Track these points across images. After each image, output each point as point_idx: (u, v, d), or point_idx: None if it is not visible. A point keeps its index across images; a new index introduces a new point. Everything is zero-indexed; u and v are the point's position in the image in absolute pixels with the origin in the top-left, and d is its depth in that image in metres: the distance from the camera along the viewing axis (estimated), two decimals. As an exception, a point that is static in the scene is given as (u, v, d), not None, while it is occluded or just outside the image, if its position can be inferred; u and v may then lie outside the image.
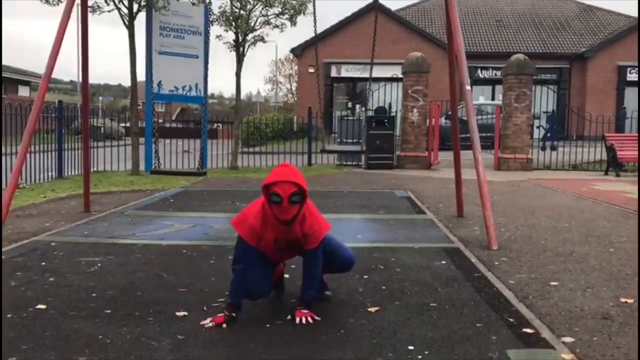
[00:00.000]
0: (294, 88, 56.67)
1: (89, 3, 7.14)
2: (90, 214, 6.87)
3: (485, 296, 3.69)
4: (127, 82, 11.12)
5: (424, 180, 11.07)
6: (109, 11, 10.50)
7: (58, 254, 4.77)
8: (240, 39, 12.60)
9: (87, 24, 6.81)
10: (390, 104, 15.81)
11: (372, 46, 8.66)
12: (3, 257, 4.63)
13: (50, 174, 10.76)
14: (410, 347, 2.82)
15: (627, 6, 48.46)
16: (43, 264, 4.44)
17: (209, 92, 11.89)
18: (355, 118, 14.05)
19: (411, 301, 3.57)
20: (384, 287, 3.88)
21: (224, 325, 3.08)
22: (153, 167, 5.99)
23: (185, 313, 3.32)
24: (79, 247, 5.04)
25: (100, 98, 58.59)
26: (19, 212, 6.84)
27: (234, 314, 3.14)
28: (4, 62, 35.61)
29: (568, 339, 2.95)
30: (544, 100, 15.22)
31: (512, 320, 3.22)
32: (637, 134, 12.81)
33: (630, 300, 3.57)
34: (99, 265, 4.42)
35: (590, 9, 32.94)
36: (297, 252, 3.37)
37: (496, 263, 4.58)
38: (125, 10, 10.47)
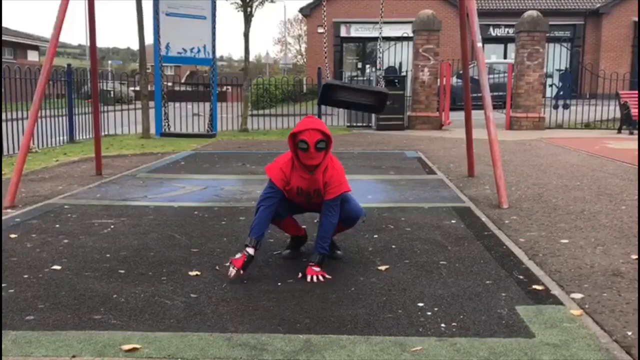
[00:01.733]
0: (303, 49, 56.03)
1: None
2: (102, 176, 6.93)
3: (495, 254, 3.70)
4: (135, 46, 11.11)
5: (434, 141, 11.01)
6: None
7: (71, 216, 4.83)
8: (248, -1, 12.40)
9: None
10: (400, 64, 15.61)
11: (381, 4, 8.44)
12: (17, 219, 4.71)
13: (62, 138, 10.82)
14: (420, 304, 2.85)
15: (645, -41, 46.93)
16: (57, 226, 4.50)
17: (218, 54, 11.83)
18: (365, 78, 13.89)
19: (421, 259, 3.60)
20: (393, 246, 3.90)
21: (242, 272, 3.18)
22: (163, 130, 5.99)
23: (198, 272, 3.37)
24: (92, 209, 5.10)
25: (110, 62, 58.33)
26: (32, 176, 6.91)
27: (252, 252, 3.22)
28: (12, 27, 35.45)
29: (577, 295, 2.96)
30: (557, 58, 14.96)
31: (521, 277, 3.24)
32: (652, 91, 12.58)
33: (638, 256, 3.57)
34: (112, 227, 4.48)
35: (606, -38, 31.97)
36: (318, 202, 3.43)
37: (506, 221, 4.58)
38: (131, -29, 10.30)
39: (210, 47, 12.42)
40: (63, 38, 5.60)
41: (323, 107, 13.88)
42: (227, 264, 3.32)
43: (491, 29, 28.67)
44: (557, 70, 14.26)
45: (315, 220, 4.44)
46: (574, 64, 26.11)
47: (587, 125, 13.95)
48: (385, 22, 8.85)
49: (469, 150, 6.90)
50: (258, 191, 5.89)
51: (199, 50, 12.59)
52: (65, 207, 5.19)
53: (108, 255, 3.73)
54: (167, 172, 7.28)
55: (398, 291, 3.05)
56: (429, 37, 13.33)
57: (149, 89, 12.43)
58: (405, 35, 17.22)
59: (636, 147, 9.77)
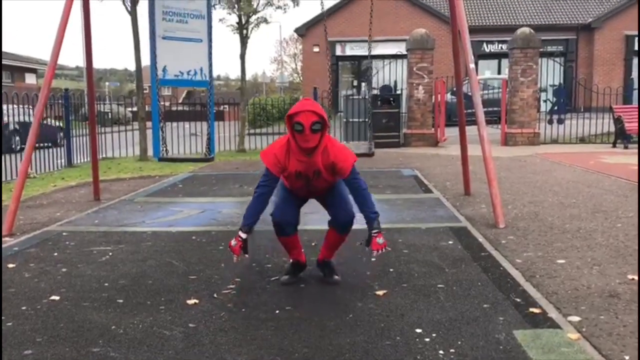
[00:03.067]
0: (299, 67, 56.39)
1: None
2: (100, 202, 6.94)
3: (492, 276, 3.72)
4: (133, 67, 11.15)
5: (430, 158, 11.05)
6: (110, -2, 10.43)
7: (70, 244, 4.84)
8: (244, 21, 12.53)
9: (89, 13, 6.79)
10: (395, 82, 15.71)
11: (369, 23, 8.41)
12: (15, 248, 4.72)
13: (59, 161, 10.83)
14: (418, 330, 2.86)
15: (636, -27, 47.52)
16: (55, 254, 4.51)
17: (215, 73, 11.86)
18: (361, 97, 13.98)
19: (418, 283, 3.61)
20: (391, 270, 3.92)
21: (237, 258, 3.43)
22: (161, 154, 6.02)
23: (196, 301, 3.37)
24: (90, 236, 5.11)
25: (107, 83, 58.55)
26: (29, 203, 6.92)
27: (244, 236, 3.39)
28: (10, 50, 35.63)
29: (575, 318, 2.98)
30: (551, 73, 15.08)
31: (519, 300, 3.26)
32: (645, 105, 12.69)
33: (637, 277, 3.58)
34: (110, 254, 4.49)
35: (597, -23, 32.37)
36: (318, 185, 3.49)
37: (503, 242, 4.60)
38: (127, -4, 10.42)
39: (207, 69, 12.53)
40: (60, 60, 5.68)
41: None
42: (232, 245, 3.44)
43: (485, 44, 28.92)
44: (550, 85, 14.36)
45: (314, 244, 4.48)
46: (568, 78, 26.31)
47: (582, 140, 14.02)
48: (379, 41, 8.95)
49: (465, 168, 6.94)
50: (255, 214, 5.93)
51: (195, 73, 12.68)
52: (64, 234, 5.20)
53: (106, 284, 3.74)
54: (165, 196, 7.30)
55: (396, 317, 3.06)
56: (422, 55, 13.45)
57: (146, 109, 12.47)
58: (399, 53, 17.39)
59: (630, 161, 9.83)
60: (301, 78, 45.19)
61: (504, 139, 13.69)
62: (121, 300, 3.42)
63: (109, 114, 40.56)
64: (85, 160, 11.22)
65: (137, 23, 10.65)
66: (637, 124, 12.43)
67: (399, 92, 14.55)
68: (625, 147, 12.25)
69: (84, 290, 3.63)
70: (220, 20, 12.94)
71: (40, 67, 39.04)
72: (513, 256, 4.18)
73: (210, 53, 11.61)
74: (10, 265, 4.19)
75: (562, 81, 14.92)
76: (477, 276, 3.73)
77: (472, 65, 5.50)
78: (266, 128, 22.40)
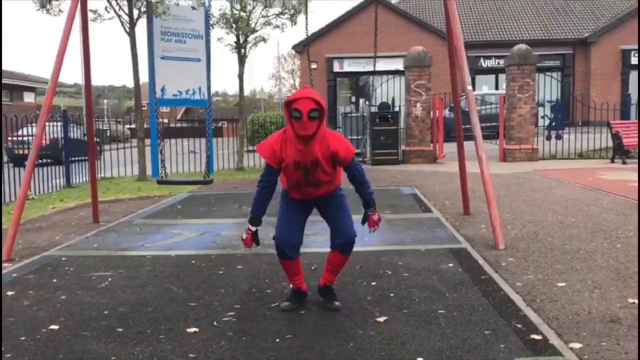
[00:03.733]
0: (297, 83, 56.64)
1: (89, 13, 7.15)
2: (99, 224, 6.93)
3: (493, 301, 3.71)
4: (131, 83, 11.16)
5: (429, 175, 11.07)
6: (109, 19, 10.52)
7: (69, 269, 4.83)
8: (242, 40, 12.61)
9: (87, 36, 6.84)
10: (393, 99, 15.78)
11: (374, 40, 8.46)
12: (14, 274, 4.70)
13: (58, 181, 10.81)
14: (419, 359, 2.85)
15: (630, -12, 47.78)
16: (54, 280, 4.50)
17: (213, 89, 11.91)
18: (359, 114, 14.05)
19: (419, 309, 3.60)
20: (392, 295, 3.90)
21: (251, 247, 3.65)
22: (160, 177, 6.02)
23: (196, 329, 3.36)
24: (89, 260, 5.10)
25: (105, 101, 58.75)
26: (28, 226, 6.90)
27: (254, 228, 3.56)
28: (7, 67, 35.75)
29: (576, 345, 2.96)
30: (548, 89, 15.14)
31: (520, 326, 3.25)
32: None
33: (637, 301, 3.58)
34: (110, 280, 4.47)
35: (591, -8, 32.66)
36: (318, 177, 3.47)
37: (503, 264, 4.60)
38: (126, 17, 10.50)
39: (206, 88, 12.60)
40: (60, 78, 5.69)
41: None
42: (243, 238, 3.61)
43: (482, 60, 29.12)
44: (548, 101, 14.43)
45: (314, 267, 4.47)
46: (565, 92, 26.44)
47: (581, 155, 14.07)
48: (377, 57, 8.95)
49: (463, 187, 6.95)
50: (255, 236, 5.93)
51: (194, 92, 12.80)
52: (63, 259, 5.19)
53: (106, 312, 3.72)
54: (163, 218, 7.29)
55: (397, 345, 3.04)
56: (420, 73, 13.53)
57: (145, 126, 12.47)
58: (397, 69, 17.48)
59: (629, 177, 9.85)
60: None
61: (502, 155, 13.72)
62: (121, 329, 3.40)
63: (107, 131, 40.58)
64: (84, 180, 11.22)
65: (135, 44, 10.72)
66: (635, 140, 12.49)
67: (397, 109, 14.58)
68: (624, 163, 12.28)
69: (83, 318, 3.62)
70: (219, 39, 13.03)
71: (39, 85, 39.18)
72: (513, 279, 4.17)
73: (208, 72, 11.74)
74: (10, 293, 4.18)
75: (559, 97, 14.95)
76: (478, 301, 3.72)
77: (469, 87, 5.52)
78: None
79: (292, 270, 3.70)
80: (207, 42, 12.01)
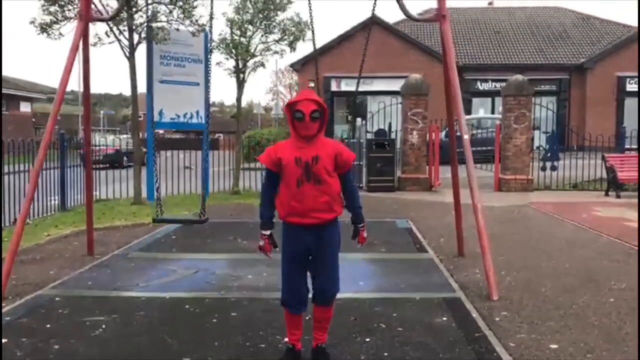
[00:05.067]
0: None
1: (90, 39, 7.15)
2: (93, 256, 6.92)
3: (486, 364, 3.72)
4: (127, 92, 11.06)
5: (425, 207, 11.12)
6: (109, 43, 10.56)
7: (62, 312, 4.81)
8: (241, 65, 12.68)
9: (88, 66, 6.86)
10: (390, 124, 15.86)
11: (362, 61, 8.32)
12: (7, 318, 4.68)
13: (53, 202, 10.69)
14: None
15: (626, 16, 48.59)
16: (48, 326, 4.48)
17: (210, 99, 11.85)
18: (355, 140, 14.11)
19: (412, 372, 3.61)
20: (385, 354, 3.91)
21: (270, 252, 3.74)
22: (156, 215, 6.02)
23: (190, 391, 3.35)
24: (83, 302, 5.08)
25: (102, 112, 58.73)
26: (22, 256, 6.86)
27: (267, 233, 3.68)
28: (6, 75, 35.76)
29: (568, 422, 2.98)
30: (544, 118, 15.29)
31: (512, 396, 3.26)
32: (637, 155, 12.84)
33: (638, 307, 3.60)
34: (103, 327, 4.46)
35: (588, 19, 33.06)
36: (319, 174, 3.49)
37: (497, 319, 4.61)
38: (126, 42, 10.53)
39: (204, 112, 12.65)
40: (55, 84, 5.68)
41: None
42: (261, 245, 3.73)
43: (478, 83, 29.34)
44: (543, 132, 14.54)
45: (308, 317, 4.47)
46: (561, 116, 26.63)
47: (575, 186, 14.14)
48: (374, 77, 9.00)
49: (458, 227, 6.98)
50: (250, 276, 5.95)
51: (191, 116, 12.86)
52: (57, 299, 5.17)
53: (99, 367, 3.72)
54: (158, 251, 7.28)
55: (390, 417, 3.05)
56: (417, 101, 13.63)
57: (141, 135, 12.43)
58: (393, 90, 17.60)
59: (624, 215, 9.92)
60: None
61: (497, 184, 13.80)
62: (114, 389, 3.40)
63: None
64: (79, 201, 11.16)
65: (135, 70, 10.74)
66: (629, 174, 12.58)
67: (393, 133, 14.66)
68: (617, 196, 12.36)
69: (76, 374, 3.61)
70: (218, 64, 13.03)
71: (36, 95, 39.23)
72: (507, 338, 4.19)
73: (207, 97, 11.77)
74: (3, 341, 4.16)
75: (554, 129, 15.08)
76: (471, 364, 3.73)
77: (465, 137, 5.58)
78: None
79: (293, 324, 3.73)
80: (207, 66, 12.09)
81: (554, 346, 4.02)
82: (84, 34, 6.50)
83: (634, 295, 5.22)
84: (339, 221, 3.71)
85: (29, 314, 4.76)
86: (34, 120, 46.15)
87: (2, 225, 8.54)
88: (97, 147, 18.06)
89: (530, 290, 5.42)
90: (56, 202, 10.91)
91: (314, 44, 6.58)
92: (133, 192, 11.64)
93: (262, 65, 12.88)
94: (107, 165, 18.87)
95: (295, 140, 3.55)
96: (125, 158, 23.26)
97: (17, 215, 8.96)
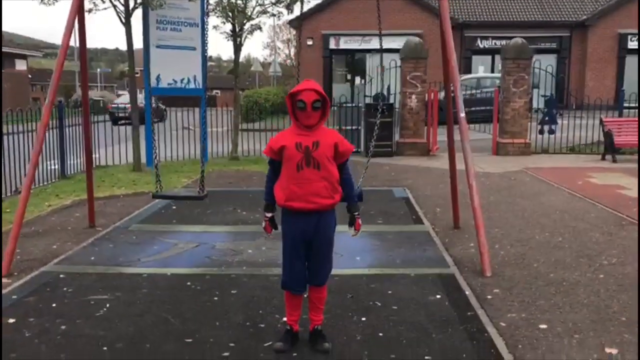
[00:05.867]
0: (292, 53, 56.16)
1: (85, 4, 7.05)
2: (95, 229, 7.04)
3: (477, 345, 3.87)
4: (124, 46, 10.78)
5: (422, 173, 11.21)
6: (104, 9, 10.42)
7: (67, 290, 4.95)
8: (238, 29, 12.53)
9: (84, 33, 6.80)
10: (389, 86, 15.76)
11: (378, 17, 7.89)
12: (14, 296, 4.82)
13: (52, 167, 10.71)
14: (404, 420, 3.01)
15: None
16: (54, 305, 4.62)
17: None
18: (354, 104, 14.08)
19: (407, 355, 3.74)
20: (380, 334, 4.05)
21: (271, 233, 3.90)
22: (155, 191, 6.08)
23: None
24: (87, 280, 5.21)
25: (98, 69, 58.00)
26: (25, 229, 6.96)
27: (270, 215, 3.83)
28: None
29: (552, 406, 3.14)
30: (543, 78, 15.18)
31: (501, 380, 3.42)
32: (635, 119, 12.85)
33: (614, 351, 3.75)
34: (107, 306, 4.60)
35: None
36: (319, 159, 3.58)
37: (489, 297, 4.76)
38: (122, 8, 10.39)
39: (201, 77, 12.57)
40: (52, 39, 5.75)
41: None
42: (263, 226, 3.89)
43: (479, 40, 28.99)
44: (542, 96, 14.49)
45: (306, 295, 4.61)
46: (561, 73, 26.44)
47: (572, 149, 14.21)
48: (374, 35, 8.95)
49: (454, 198, 7.08)
50: (250, 251, 6.08)
51: (189, 81, 12.79)
52: (61, 276, 5.30)
53: (105, 349, 3.86)
54: (158, 222, 7.39)
55: (384, 400, 3.20)
56: (416, 64, 13.53)
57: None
58: (391, 48, 17.43)
59: (619, 181, 10.02)
60: (294, 63, 45.00)
61: (495, 148, 13.85)
62: (120, 372, 3.55)
63: (101, 101, 40.30)
64: (79, 162, 11.18)
65: (131, 35, 10.64)
66: (626, 138, 12.62)
67: (392, 95, 14.61)
68: (614, 161, 12.43)
69: (83, 356, 3.75)
70: (214, 27, 12.87)
71: (30, 52, 38.76)
72: (498, 317, 4.34)
73: (204, 61, 11.71)
74: (11, 320, 4.30)
75: (553, 92, 15.01)
76: (463, 344, 3.88)
77: (462, 115, 5.61)
78: (259, 123, 22.44)
79: (293, 305, 3.87)
80: (203, 30, 11.94)
81: (543, 326, 4.17)
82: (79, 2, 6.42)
83: (624, 271, 5.37)
84: (335, 209, 3.80)
85: (35, 293, 4.90)
86: (30, 76, 45.74)
87: (3, 195, 8.64)
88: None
89: (523, 265, 5.56)
90: (56, 167, 10.96)
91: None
92: (132, 158, 11.69)
93: (259, 28, 12.74)
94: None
95: (296, 128, 3.65)
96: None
97: (17, 184, 9.10)
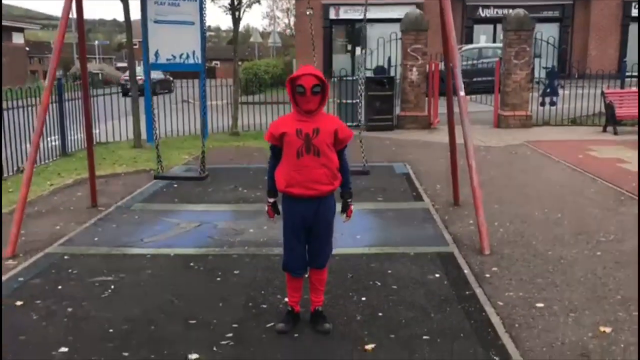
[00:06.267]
0: (291, 22, 55.47)
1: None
2: (97, 208, 7.10)
3: (475, 324, 3.96)
4: (121, 17, 10.76)
5: (423, 147, 11.22)
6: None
7: (72, 272, 5.03)
8: (236, 2, 12.40)
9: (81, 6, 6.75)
10: (389, 58, 15.66)
11: None
12: (20, 278, 4.91)
13: (53, 142, 10.73)
14: (403, 400, 3.10)
15: None
16: (59, 287, 4.70)
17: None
18: (354, 78, 14.00)
19: (405, 334, 3.83)
20: (380, 314, 4.14)
21: (274, 217, 3.96)
22: (157, 172, 6.13)
23: (197, 355, 3.60)
24: (91, 261, 5.29)
25: (96, 42, 57.46)
26: (28, 209, 7.00)
27: (272, 200, 3.90)
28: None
29: (547, 385, 3.23)
30: (544, 49, 15.06)
31: (497, 359, 3.50)
32: (636, 90, 12.79)
33: (608, 330, 3.84)
34: (112, 287, 4.68)
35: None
36: (319, 146, 3.62)
37: (487, 275, 4.83)
38: (118, -18, 10.27)
39: (200, 52, 12.46)
40: (50, 11, 5.71)
41: None
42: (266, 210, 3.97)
43: (480, 9, 28.62)
44: (543, 67, 14.39)
45: (306, 275, 4.69)
46: (563, 43, 26.18)
47: (574, 121, 14.18)
48: (373, 4, 8.85)
49: (454, 178, 7.11)
50: (251, 230, 6.14)
51: (188, 56, 12.61)
52: (65, 258, 5.38)
53: (111, 330, 3.95)
54: (160, 201, 7.45)
55: (383, 381, 3.29)
56: (417, 36, 13.41)
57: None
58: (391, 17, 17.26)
59: (620, 155, 10.03)
60: (293, 32, 44.54)
61: (496, 121, 13.83)
62: (126, 354, 3.63)
63: (100, 74, 39.96)
64: (79, 145, 11.24)
65: (129, 10, 10.55)
66: (627, 110, 12.58)
67: (393, 69, 14.53)
68: (615, 133, 12.42)
69: (90, 338, 3.84)
70: (212, 0, 12.75)
71: (28, 26, 38.39)
72: (496, 296, 4.42)
73: (203, 36, 11.58)
74: (18, 303, 4.39)
75: (555, 64, 14.91)
76: (460, 324, 3.96)
77: (462, 93, 5.60)
78: (259, 96, 22.34)
79: (294, 287, 3.95)
80: (201, 4, 11.81)
81: (540, 305, 4.25)
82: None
83: (621, 247, 5.43)
84: (334, 195, 3.85)
85: (40, 275, 4.98)
86: (27, 49, 45.35)
87: (4, 174, 8.69)
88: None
89: (522, 243, 5.62)
90: (56, 143, 10.97)
91: None
92: (133, 134, 11.70)
93: (258, 1, 12.60)
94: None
95: (296, 114, 3.69)
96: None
97: (18, 161, 9.15)
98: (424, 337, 3.79)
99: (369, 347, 3.68)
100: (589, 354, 3.56)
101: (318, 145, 3.63)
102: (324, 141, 3.64)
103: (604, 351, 3.58)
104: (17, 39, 36.14)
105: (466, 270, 4.94)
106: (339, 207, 3.93)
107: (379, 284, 4.68)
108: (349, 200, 3.93)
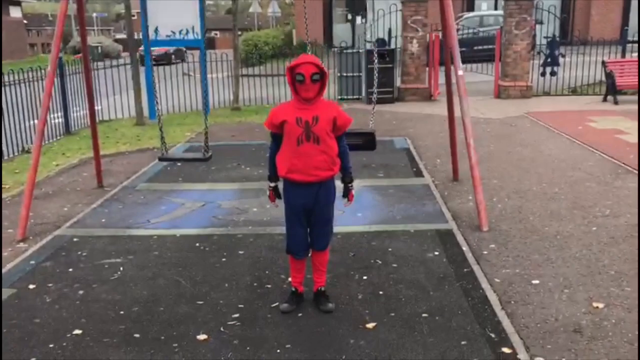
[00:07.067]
0: (291, -9, 54.66)
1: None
2: (103, 189, 7.23)
3: (472, 302, 4.10)
4: None
5: (423, 121, 11.27)
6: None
7: (82, 254, 5.18)
8: (235, -24, 12.30)
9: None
10: (390, 30, 15.57)
11: None
12: (32, 262, 5.06)
13: (56, 120, 10.80)
14: (402, 377, 3.27)
15: None
16: (70, 270, 4.86)
17: None
18: (355, 50, 13.96)
19: (405, 312, 3.98)
20: (381, 292, 4.28)
21: (275, 201, 4.10)
22: (161, 154, 6.23)
23: (205, 336, 3.76)
24: (100, 243, 5.43)
25: (94, 14, 56.87)
26: (35, 191, 7.12)
27: (273, 185, 4.02)
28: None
29: (540, 360, 3.39)
30: (545, 22, 14.99)
31: (493, 335, 3.65)
32: (637, 59, 12.74)
33: (600, 305, 3.98)
34: (121, 269, 4.83)
35: None
36: (318, 133, 3.72)
37: (485, 252, 4.97)
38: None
39: (199, 28, 12.46)
40: None
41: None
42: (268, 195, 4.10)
43: (482, -24, 28.17)
44: (544, 37, 14.31)
45: (310, 254, 4.82)
46: (565, 6, 25.88)
47: (574, 91, 14.17)
48: None
49: (453, 151, 7.20)
50: (254, 209, 6.26)
51: (187, 32, 12.66)
52: (74, 240, 5.53)
53: (122, 312, 4.10)
54: (165, 181, 7.56)
55: (384, 358, 3.45)
56: (417, 8, 13.33)
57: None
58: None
59: (619, 126, 10.08)
60: (293, 2, 43.98)
61: (496, 91, 13.83)
62: (138, 335, 3.80)
63: (99, 47, 39.70)
64: (83, 123, 11.32)
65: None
66: (628, 79, 12.56)
67: (393, 40, 14.46)
68: (615, 103, 12.44)
69: (103, 320, 4.00)
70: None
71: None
72: (493, 273, 4.56)
73: (202, 12, 11.59)
74: (31, 286, 4.55)
75: (556, 34, 14.82)
76: (458, 302, 4.11)
77: (460, 72, 5.65)
78: (259, 68, 22.26)
79: (298, 267, 4.10)
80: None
81: (535, 282, 4.39)
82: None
83: (616, 222, 5.55)
84: (334, 179, 3.96)
85: (51, 258, 5.13)
86: (25, 22, 44.96)
87: (10, 154, 8.80)
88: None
89: (519, 219, 5.74)
90: (59, 120, 11.04)
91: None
92: (135, 112, 11.77)
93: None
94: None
95: (296, 102, 3.78)
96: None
97: (23, 142, 9.25)
98: (423, 314, 3.95)
99: (370, 325, 3.84)
100: (582, 329, 3.71)
101: (317, 133, 3.73)
102: (324, 129, 3.74)
103: (595, 327, 3.73)
104: (15, 12, 35.83)
105: (465, 248, 5.07)
106: (339, 190, 4.05)
107: (380, 262, 4.83)
108: (350, 185, 4.04)
